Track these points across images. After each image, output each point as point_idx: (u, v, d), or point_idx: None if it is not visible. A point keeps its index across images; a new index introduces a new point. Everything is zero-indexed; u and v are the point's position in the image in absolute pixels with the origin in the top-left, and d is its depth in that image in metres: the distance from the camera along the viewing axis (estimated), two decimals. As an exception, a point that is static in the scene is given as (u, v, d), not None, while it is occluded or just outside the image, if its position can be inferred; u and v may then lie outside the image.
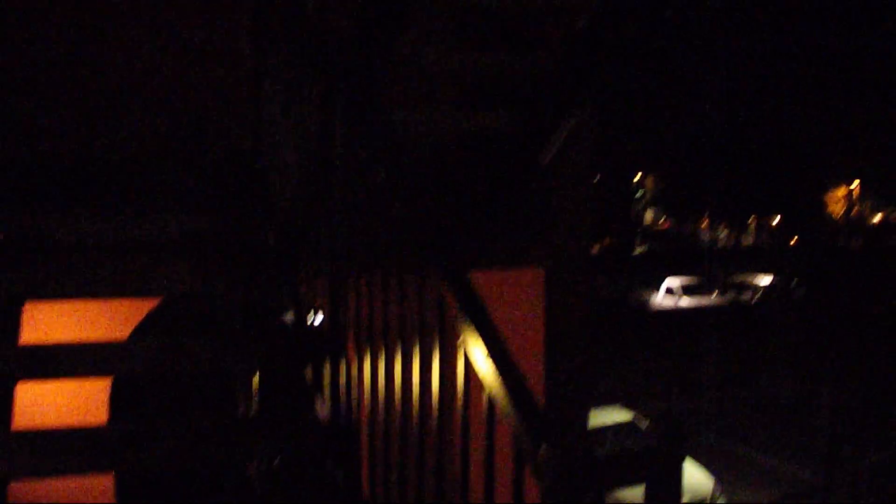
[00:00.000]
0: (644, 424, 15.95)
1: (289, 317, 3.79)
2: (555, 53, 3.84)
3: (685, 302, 40.81)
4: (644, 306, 41.20)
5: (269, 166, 4.37)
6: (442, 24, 3.76)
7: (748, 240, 71.76)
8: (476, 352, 2.20)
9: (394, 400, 2.76)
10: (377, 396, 2.92)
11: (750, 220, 71.47)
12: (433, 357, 2.47)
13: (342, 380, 3.20)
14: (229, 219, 4.29)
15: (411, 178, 2.77)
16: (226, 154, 5.29)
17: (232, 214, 4.32)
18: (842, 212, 74.47)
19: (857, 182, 73.58)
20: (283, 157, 4.07)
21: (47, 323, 4.62)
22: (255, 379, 4.00)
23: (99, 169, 4.87)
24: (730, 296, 42.85)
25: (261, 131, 4.70)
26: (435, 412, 2.45)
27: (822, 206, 72.07)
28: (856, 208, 75.88)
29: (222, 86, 5.44)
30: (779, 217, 70.72)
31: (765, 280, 44.02)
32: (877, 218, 77.72)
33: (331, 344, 3.31)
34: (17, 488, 3.46)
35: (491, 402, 2.14)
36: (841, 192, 74.00)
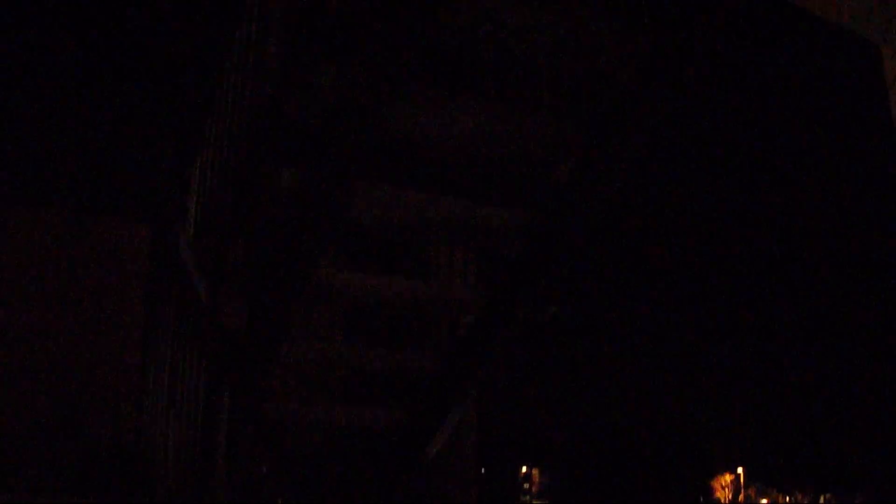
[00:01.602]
0: None
1: None
2: (441, 349, 3.96)
3: None
4: None
5: (152, 448, 4.29)
6: (328, 322, 3.86)
7: (636, 530, 71.07)
8: None
9: None
10: None
11: (637, 510, 71.17)
12: None
13: None
14: (108, 500, 4.16)
15: (294, 472, 2.76)
16: (107, 435, 5.18)
17: (110, 496, 4.19)
18: (729, 498, 74.86)
19: (741, 468, 74.47)
20: (166, 440, 4.01)
21: None
22: None
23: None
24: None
25: (144, 412, 4.64)
26: None
27: (710, 493, 72.43)
28: (742, 494, 76.40)
29: (108, 367, 5.40)
30: (666, 506, 70.61)
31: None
32: (763, 502, 78.24)
33: None
34: None
35: None
36: (727, 477, 74.65)
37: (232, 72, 4.40)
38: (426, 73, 3.84)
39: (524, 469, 69.71)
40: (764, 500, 77.46)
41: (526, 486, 70.74)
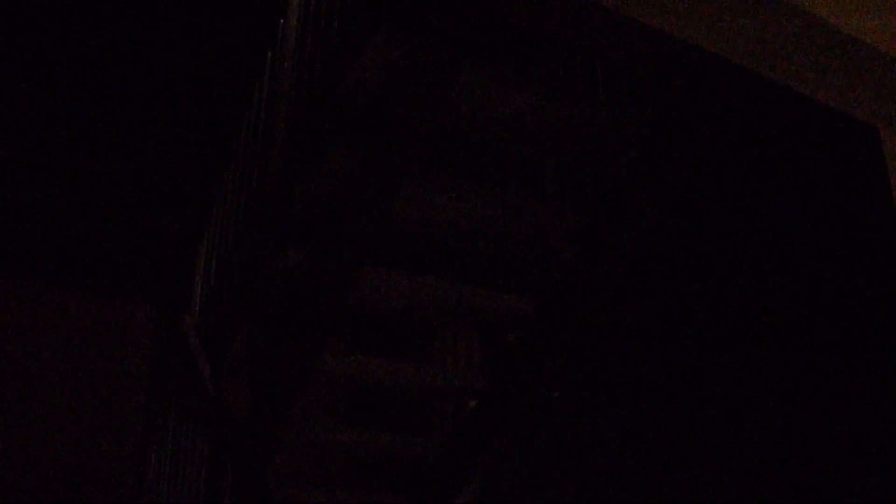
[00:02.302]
0: None
1: None
2: (445, 433, 3.94)
3: None
4: None
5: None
6: (330, 403, 3.85)
7: None
8: None
9: None
10: None
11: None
12: None
13: None
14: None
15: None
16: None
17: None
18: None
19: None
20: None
21: None
22: None
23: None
24: None
25: (145, 494, 4.60)
26: None
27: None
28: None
29: (109, 448, 5.36)
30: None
31: None
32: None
33: None
34: None
35: None
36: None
37: (239, 152, 4.46)
38: (433, 158, 3.89)
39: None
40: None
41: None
